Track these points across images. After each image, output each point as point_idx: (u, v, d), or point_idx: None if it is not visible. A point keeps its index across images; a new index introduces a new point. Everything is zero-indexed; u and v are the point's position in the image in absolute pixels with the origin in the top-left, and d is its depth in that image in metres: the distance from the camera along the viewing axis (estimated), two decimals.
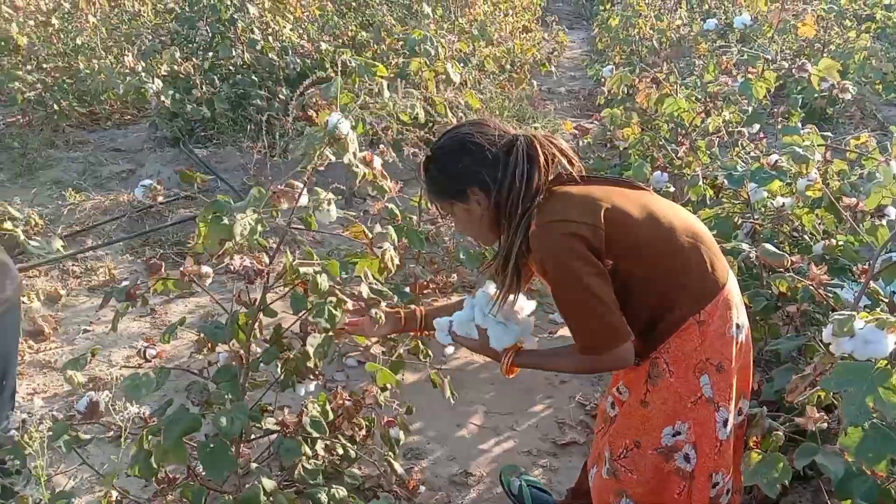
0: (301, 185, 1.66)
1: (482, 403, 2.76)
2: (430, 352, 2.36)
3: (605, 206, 1.48)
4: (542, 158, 1.54)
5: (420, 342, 2.35)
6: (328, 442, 1.96)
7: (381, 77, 2.44)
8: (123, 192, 4.34)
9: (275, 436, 1.91)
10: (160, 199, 1.81)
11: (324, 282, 1.69)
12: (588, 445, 2.49)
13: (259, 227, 1.63)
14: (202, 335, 1.87)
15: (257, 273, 1.69)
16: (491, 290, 1.67)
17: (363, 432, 2.11)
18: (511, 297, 1.62)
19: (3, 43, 5.50)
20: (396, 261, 1.93)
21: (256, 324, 1.73)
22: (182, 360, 2.87)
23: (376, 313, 1.78)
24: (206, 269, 1.77)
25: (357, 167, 1.64)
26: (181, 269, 1.75)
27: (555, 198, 1.53)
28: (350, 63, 2.47)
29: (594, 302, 1.44)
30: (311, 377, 1.85)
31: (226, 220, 1.55)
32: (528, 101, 5.79)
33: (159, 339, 1.83)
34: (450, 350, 2.86)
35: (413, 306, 1.92)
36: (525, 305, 1.68)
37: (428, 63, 3.06)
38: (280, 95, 5.27)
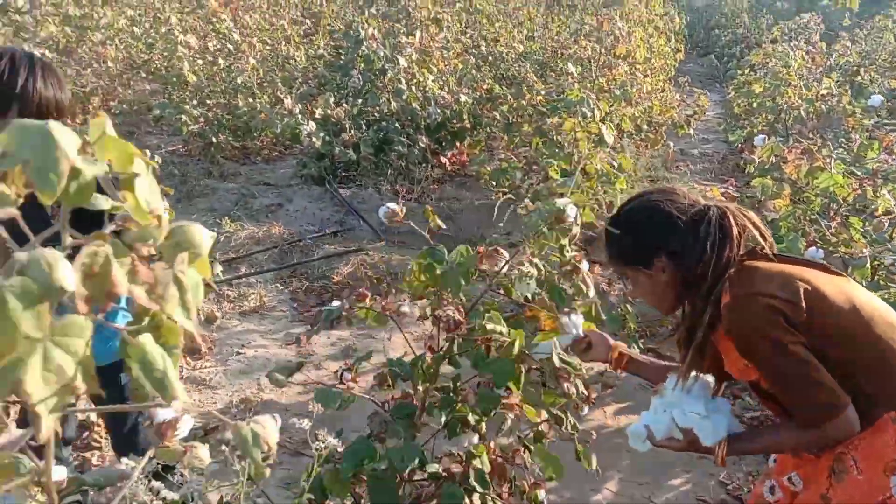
0: (504, 252, 1.74)
1: (618, 470, 2.72)
2: (576, 422, 2.36)
3: (804, 285, 1.45)
4: (734, 230, 1.52)
5: (568, 413, 2.34)
6: (483, 495, 1.99)
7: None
8: (275, 224, 4.62)
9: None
10: (400, 217, 1.87)
11: (518, 344, 1.74)
12: None
13: (463, 282, 1.72)
14: (386, 371, 1.97)
15: (458, 324, 1.77)
16: (676, 386, 1.64)
17: (507, 489, 2.13)
18: (694, 373, 1.60)
19: (175, 79, 6.04)
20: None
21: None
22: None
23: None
24: (405, 308, 1.86)
25: (568, 251, 1.69)
26: (384, 303, 1.85)
27: (748, 271, 1.51)
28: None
29: (807, 369, 1.40)
30: (476, 431, 1.90)
31: (438, 270, 1.65)
32: (662, 162, 5.74)
33: (354, 363, 1.94)
34: (584, 411, 2.85)
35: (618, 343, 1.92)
36: (708, 380, 1.65)
37: (582, 124, 3.12)
38: (420, 143, 5.49)
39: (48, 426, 0.69)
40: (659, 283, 1.59)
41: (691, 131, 5.44)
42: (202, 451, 1.09)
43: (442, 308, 1.61)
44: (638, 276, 1.61)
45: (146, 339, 0.77)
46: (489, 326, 1.67)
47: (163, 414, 1.05)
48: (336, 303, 1.82)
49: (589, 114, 3.09)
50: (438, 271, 1.54)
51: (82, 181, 0.70)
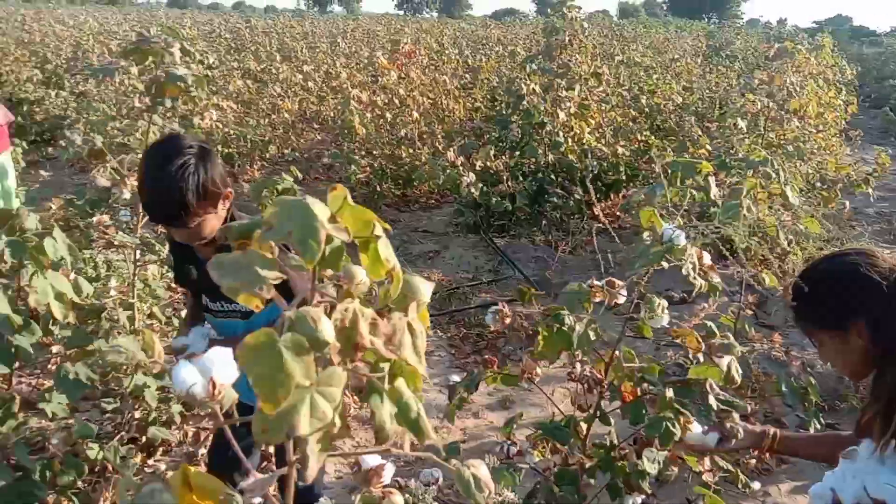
0: (621, 283, 1.72)
1: None
2: (749, 483, 2.24)
3: None
4: None
5: (739, 471, 2.24)
6: None
7: (706, 171, 2.35)
8: (434, 271, 4.78)
9: None
10: (507, 321, 1.93)
11: (669, 393, 1.70)
12: None
13: (592, 336, 1.71)
14: (539, 433, 1.98)
15: (597, 382, 1.76)
16: (873, 455, 1.53)
17: None
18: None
19: (346, 132, 6.47)
20: (739, 376, 1.86)
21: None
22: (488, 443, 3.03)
23: (732, 427, 1.72)
24: (539, 369, 1.88)
25: (695, 279, 1.64)
26: (521, 365, 1.87)
27: None
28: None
29: None
30: (640, 492, 1.85)
31: (565, 329, 1.66)
32: (835, 221, 5.38)
33: (505, 430, 1.97)
34: (756, 486, 2.70)
35: (765, 427, 1.83)
36: None
37: (763, 185, 3.00)
38: (575, 195, 5.50)
39: (316, 466, 0.77)
40: (852, 350, 1.49)
41: (870, 190, 5.09)
42: (398, 499, 1.15)
43: (576, 369, 1.62)
44: (830, 340, 1.53)
45: (401, 384, 0.84)
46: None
47: (370, 460, 1.12)
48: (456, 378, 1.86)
49: (773, 174, 2.96)
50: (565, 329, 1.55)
51: (334, 246, 0.79)
